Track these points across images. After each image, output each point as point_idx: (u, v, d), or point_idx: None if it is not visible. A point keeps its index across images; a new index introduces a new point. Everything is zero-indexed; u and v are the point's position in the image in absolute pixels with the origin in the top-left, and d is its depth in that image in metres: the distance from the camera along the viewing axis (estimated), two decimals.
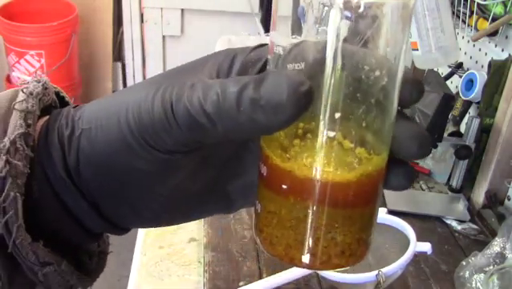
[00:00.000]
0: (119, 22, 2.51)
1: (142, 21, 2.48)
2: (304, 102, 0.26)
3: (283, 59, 0.28)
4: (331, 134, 0.27)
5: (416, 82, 0.29)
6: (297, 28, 0.28)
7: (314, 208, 0.28)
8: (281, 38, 0.28)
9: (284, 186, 0.28)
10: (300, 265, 0.29)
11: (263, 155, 0.29)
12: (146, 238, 1.02)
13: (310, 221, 0.28)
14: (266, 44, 0.30)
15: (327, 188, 0.28)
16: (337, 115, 0.27)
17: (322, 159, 0.27)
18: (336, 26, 0.26)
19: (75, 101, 2.44)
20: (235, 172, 0.34)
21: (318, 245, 0.29)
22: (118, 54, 2.60)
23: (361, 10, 0.25)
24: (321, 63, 0.26)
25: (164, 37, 2.50)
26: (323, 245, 0.29)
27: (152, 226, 0.35)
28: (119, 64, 2.60)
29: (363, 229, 0.30)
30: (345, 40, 0.26)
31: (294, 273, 0.77)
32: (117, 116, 0.29)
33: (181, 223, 0.35)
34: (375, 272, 0.71)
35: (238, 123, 0.27)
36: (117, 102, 0.30)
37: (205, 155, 0.31)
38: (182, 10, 2.43)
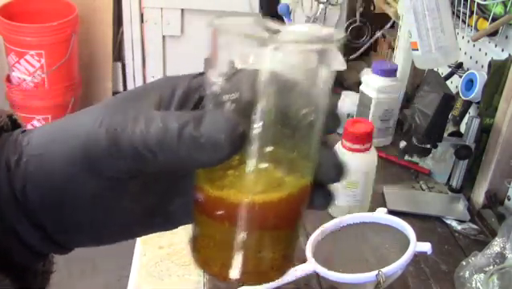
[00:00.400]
0: (119, 22, 2.51)
1: (142, 21, 2.48)
2: (239, 142, 0.29)
3: (220, 92, 0.30)
4: (263, 166, 0.30)
5: (335, 115, 0.33)
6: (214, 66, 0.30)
7: (247, 232, 0.31)
8: (216, 75, 0.30)
9: (219, 212, 0.31)
10: (233, 282, 0.32)
11: (199, 183, 0.32)
12: (146, 238, 1.02)
13: (242, 243, 0.31)
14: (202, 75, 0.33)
15: (258, 213, 0.31)
16: (268, 148, 0.30)
17: (253, 188, 0.30)
18: (267, 70, 0.29)
19: (75, 101, 2.45)
20: (177, 193, 0.35)
21: (249, 264, 0.32)
22: (118, 54, 2.60)
23: (289, 53, 0.29)
24: (254, 94, 0.29)
25: (164, 37, 2.50)
26: (253, 263, 0.32)
27: (95, 246, 0.37)
28: (119, 64, 2.60)
29: (289, 246, 0.34)
30: (276, 80, 0.29)
31: (294, 273, 0.77)
32: (64, 144, 0.31)
33: (125, 240, 0.36)
34: (375, 272, 0.71)
35: (179, 157, 0.29)
36: (65, 129, 0.32)
37: (147, 181, 0.33)
38: (182, 10, 2.43)
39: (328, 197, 0.34)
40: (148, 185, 0.34)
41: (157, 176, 0.33)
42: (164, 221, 0.36)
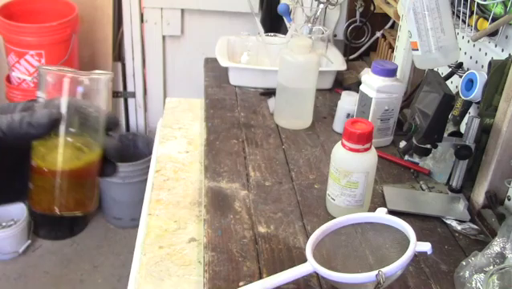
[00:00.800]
0: (119, 22, 2.51)
1: (142, 21, 2.48)
2: (55, 123, 0.54)
3: (44, 102, 0.55)
4: (69, 140, 0.55)
5: (112, 118, 0.58)
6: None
7: (62, 180, 0.56)
8: (41, 93, 0.55)
9: (45, 170, 0.55)
10: (56, 213, 0.56)
11: (34, 155, 0.56)
12: (146, 238, 1.02)
13: (60, 189, 0.56)
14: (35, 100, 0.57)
15: (68, 168, 0.56)
16: (72, 130, 0.55)
17: (64, 153, 0.55)
18: (67, 94, 0.55)
19: None
20: (21, 166, 0.56)
21: (64, 201, 0.56)
22: (118, 54, 2.60)
23: (83, 82, 0.56)
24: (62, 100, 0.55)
25: (164, 37, 2.50)
26: (67, 200, 0.56)
27: None
28: (119, 64, 2.60)
29: (88, 191, 0.58)
30: (73, 94, 0.55)
31: (294, 273, 0.77)
32: None
33: None
34: (375, 272, 0.71)
35: (20, 134, 0.53)
36: None
37: (3, 154, 0.55)
38: (182, 10, 2.43)
39: (113, 168, 0.59)
40: (5, 157, 0.55)
41: (7, 153, 0.54)
42: (20, 188, 0.57)
